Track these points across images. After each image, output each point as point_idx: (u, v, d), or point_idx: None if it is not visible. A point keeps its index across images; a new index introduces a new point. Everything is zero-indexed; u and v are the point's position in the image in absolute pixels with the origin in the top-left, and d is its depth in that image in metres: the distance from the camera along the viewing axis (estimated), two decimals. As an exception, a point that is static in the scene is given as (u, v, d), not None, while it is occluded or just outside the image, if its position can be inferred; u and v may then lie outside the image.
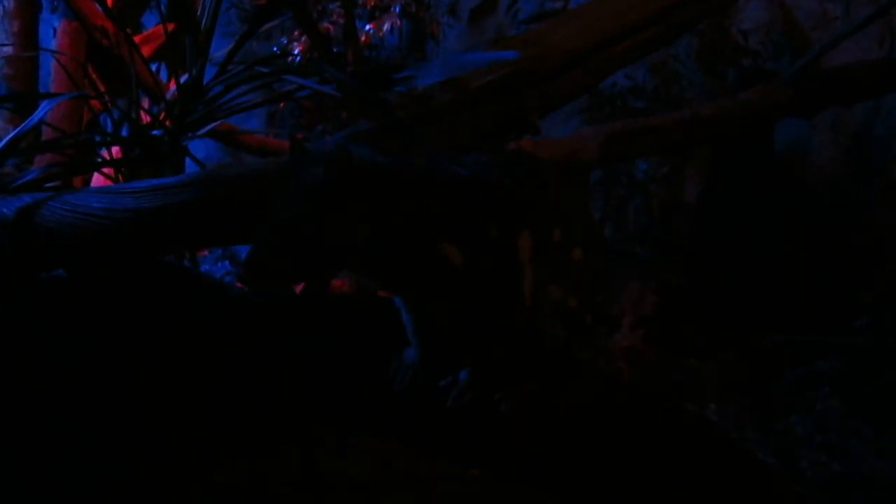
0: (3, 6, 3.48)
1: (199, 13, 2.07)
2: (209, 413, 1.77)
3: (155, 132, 2.24)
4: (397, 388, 1.54)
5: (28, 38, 3.51)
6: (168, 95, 2.36)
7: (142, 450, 1.74)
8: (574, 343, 1.50)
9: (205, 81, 2.14)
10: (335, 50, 2.21)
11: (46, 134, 2.64)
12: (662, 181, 3.80)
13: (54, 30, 4.02)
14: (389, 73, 1.81)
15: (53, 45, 3.31)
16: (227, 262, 3.92)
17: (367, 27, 3.54)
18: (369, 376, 1.62)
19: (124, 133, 2.38)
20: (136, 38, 3.06)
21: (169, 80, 3.17)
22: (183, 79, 2.26)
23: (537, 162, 1.55)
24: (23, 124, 1.87)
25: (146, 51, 3.15)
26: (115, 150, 2.46)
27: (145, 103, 2.65)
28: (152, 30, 3.41)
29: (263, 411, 1.77)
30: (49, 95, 2.46)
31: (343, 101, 1.82)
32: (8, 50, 3.53)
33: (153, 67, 3.22)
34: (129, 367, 1.77)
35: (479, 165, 1.47)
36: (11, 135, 1.89)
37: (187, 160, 2.32)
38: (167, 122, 2.22)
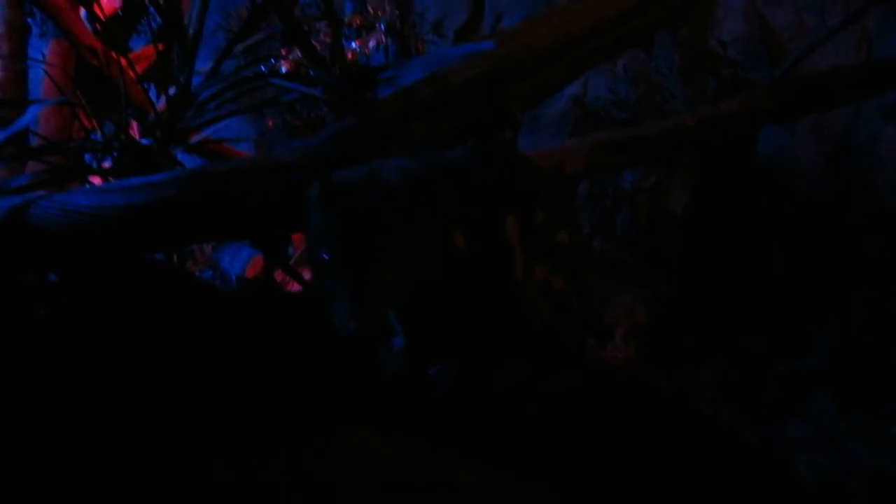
0: (-8, 31, 3.52)
1: (186, 22, 2.11)
2: (197, 412, 1.77)
3: (144, 141, 2.27)
4: (387, 375, 1.55)
5: (17, 62, 3.55)
6: (158, 106, 2.40)
7: (123, 450, 1.72)
8: (560, 324, 1.51)
9: (193, 90, 2.17)
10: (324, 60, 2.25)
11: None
12: (649, 192, 3.84)
13: (43, 55, 4.07)
14: (374, 73, 1.84)
15: (42, 68, 3.35)
16: (208, 272, 3.91)
17: (354, 45, 3.61)
18: (357, 366, 1.63)
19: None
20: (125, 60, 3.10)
21: (158, 97, 3.21)
22: (172, 90, 2.29)
23: (512, 151, 1.59)
24: (11, 126, 1.90)
25: (132, 71, 3.20)
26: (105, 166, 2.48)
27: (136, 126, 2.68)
28: (142, 50, 3.46)
29: (252, 408, 1.77)
30: (38, 101, 2.49)
31: (328, 102, 1.85)
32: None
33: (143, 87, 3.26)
34: (116, 365, 1.77)
35: (461, 156, 1.51)
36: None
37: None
38: (157, 133, 2.25)
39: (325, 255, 1.26)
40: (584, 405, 1.55)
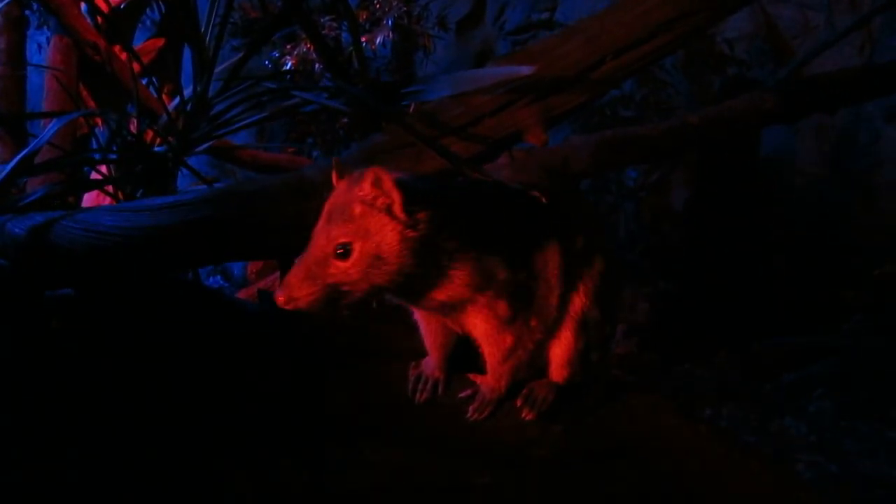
0: (-9, 24, 3.44)
1: (202, 30, 2.07)
2: (217, 426, 1.76)
3: (158, 149, 2.24)
4: (418, 397, 1.55)
5: (15, 55, 3.48)
6: (170, 109, 2.35)
7: (144, 466, 1.71)
8: (593, 350, 1.52)
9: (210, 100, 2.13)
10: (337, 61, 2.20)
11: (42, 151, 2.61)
12: (652, 188, 3.85)
13: (39, 46, 3.99)
14: (398, 87, 1.82)
15: (42, 61, 3.29)
16: (218, 277, 3.89)
17: (361, 40, 3.56)
18: (382, 386, 1.63)
19: (118, 147, 2.36)
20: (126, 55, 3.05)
21: (160, 94, 3.16)
22: (186, 93, 2.26)
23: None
24: (34, 142, 1.86)
25: (137, 66, 3.15)
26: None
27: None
28: (144, 44, 3.40)
29: (274, 422, 1.76)
30: (53, 114, 2.44)
31: (354, 115, 1.83)
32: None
33: (143, 81, 3.21)
34: (135, 379, 1.76)
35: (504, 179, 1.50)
36: (22, 154, 1.87)
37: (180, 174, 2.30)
38: (169, 139, 2.21)
39: None
40: (616, 429, 1.58)
